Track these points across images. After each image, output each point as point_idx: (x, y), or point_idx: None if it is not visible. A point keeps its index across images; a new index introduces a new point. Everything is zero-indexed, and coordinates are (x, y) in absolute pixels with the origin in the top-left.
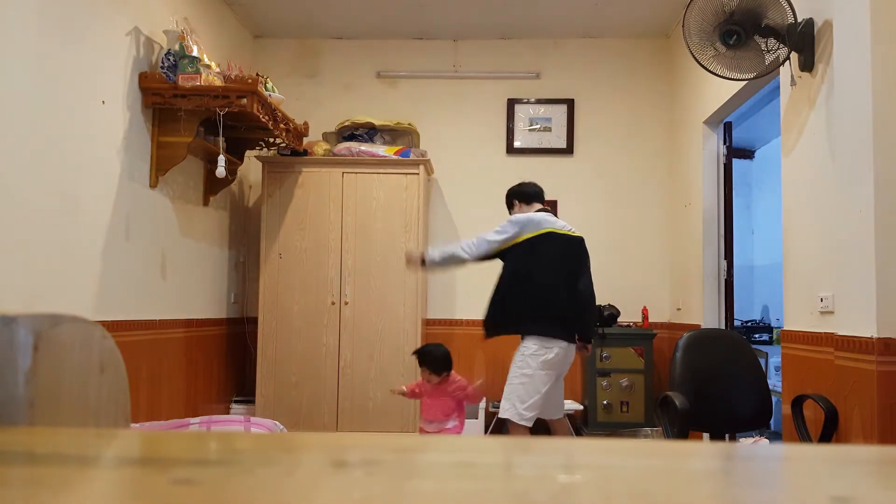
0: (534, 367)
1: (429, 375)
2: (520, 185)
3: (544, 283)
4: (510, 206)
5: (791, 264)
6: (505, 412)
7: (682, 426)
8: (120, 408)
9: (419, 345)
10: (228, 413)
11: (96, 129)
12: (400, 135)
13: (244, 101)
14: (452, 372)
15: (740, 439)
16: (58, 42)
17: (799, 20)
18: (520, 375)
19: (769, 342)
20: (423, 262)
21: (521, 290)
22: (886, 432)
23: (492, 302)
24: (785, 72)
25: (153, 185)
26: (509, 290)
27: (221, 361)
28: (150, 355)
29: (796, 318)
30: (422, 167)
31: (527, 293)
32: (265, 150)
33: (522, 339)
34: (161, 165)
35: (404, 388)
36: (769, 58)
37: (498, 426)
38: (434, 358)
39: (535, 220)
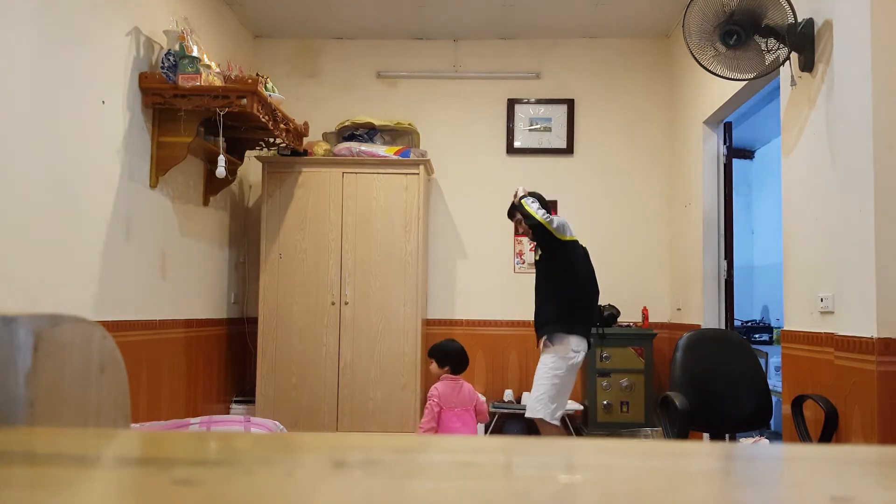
0: (564, 370)
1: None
2: (537, 193)
3: (588, 288)
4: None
5: (791, 264)
6: (537, 412)
7: (682, 426)
8: (120, 408)
9: (419, 345)
10: (228, 413)
11: (96, 129)
12: (400, 135)
13: (244, 101)
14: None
15: (740, 439)
16: (58, 42)
17: (799, 20)
18: (552, 377)
19: (769, 342)
20: (520, 200)
21: (578, 294)
22: (886, 432)
23: (553, 301)
24: (785, 72)
25: (153, 185)
26: (571, 294)
27: (221, 361)
28: (150, 355)
29: (796, 318)
30: (422, 167)
31: (580, 299)
32: (265, 150)
33: (552, 341)
34: (161, 165)
35: (422, 428)
36: (769, 58)
37: (498, 426)
38: (454, 355)
39: (570, 225)
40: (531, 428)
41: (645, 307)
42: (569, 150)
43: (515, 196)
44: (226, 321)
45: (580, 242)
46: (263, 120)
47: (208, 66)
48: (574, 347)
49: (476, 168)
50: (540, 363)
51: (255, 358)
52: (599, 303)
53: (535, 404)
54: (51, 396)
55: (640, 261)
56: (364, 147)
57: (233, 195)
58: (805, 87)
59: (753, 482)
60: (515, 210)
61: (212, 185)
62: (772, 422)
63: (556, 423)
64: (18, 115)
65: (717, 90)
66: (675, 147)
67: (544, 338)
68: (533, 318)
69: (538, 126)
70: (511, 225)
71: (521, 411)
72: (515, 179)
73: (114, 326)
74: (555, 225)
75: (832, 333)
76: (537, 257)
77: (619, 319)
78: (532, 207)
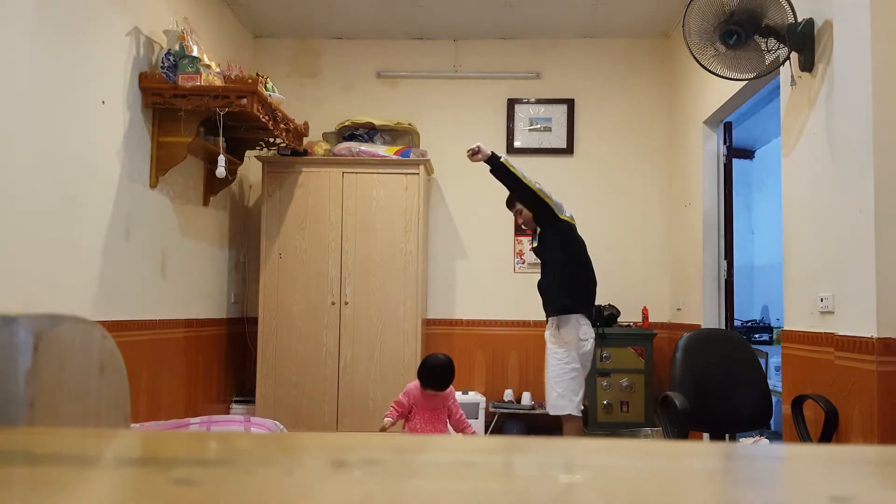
0: (578, 360)
1: (432, 391)
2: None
3: (590, 272)
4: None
5: (791, 264)
6: (564, 409)
7: (682, 426)
8: (120, 408)
9: (419, 345)
10: (228, 413)
11: (96, 129)
12: (400, 135)
13: (244, 101)
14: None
15: (740, 439)
16: (58, 42)
17: (799, 20)
18: (570, 370)
19: (769, 342)
20: (491, 157)
21: (580, 273)
22: (886, 432)
23: (556, 280)
24: (785, 72)
25: (153, 185)
26: (572, 272)
27: (221, 361)
28: (150, 355)
29: (796, 318)
30: (422, 167)
31: (582, 278)
32: (265, 150)
33: (559, 328)
34: (161, 165)
35: (388, 420)
36: (769, 58)
37: (498, 426)
38: (439, 375)
39: (565, 205)
40: (531, 428)
41: (645, 307)
42: (569, 150)
43: (478, 153)
44: (226, 321)
45: (577, 231)
46: (263, 120)
47: (208, 66)
48: (582, 336)
49: (476, 168)
50: (551, 358)
51: (255, 358)
52: (599, 303)
53: (560, 401)
54: (51, 396)
55: (640, 260)
56: (364, 147)
57: (233, 195)
58: (805, 87)
59: (753, 482)
60: (495, 171)
61: (212, 185)
62: (772, 422)
63: (580, 413)
64: (18, 115)
65: (717, 90)
66: (675, 147)
67: (554, 324)
68: (540, 296)
69: (538, 126)
70: (511, 225)
71: (522, 411)
72: None
73: (114, 326)
74: (547, 193)
75: (832, 333)
76: (534, 244)
77: (619, 319)
78: (519, 171)
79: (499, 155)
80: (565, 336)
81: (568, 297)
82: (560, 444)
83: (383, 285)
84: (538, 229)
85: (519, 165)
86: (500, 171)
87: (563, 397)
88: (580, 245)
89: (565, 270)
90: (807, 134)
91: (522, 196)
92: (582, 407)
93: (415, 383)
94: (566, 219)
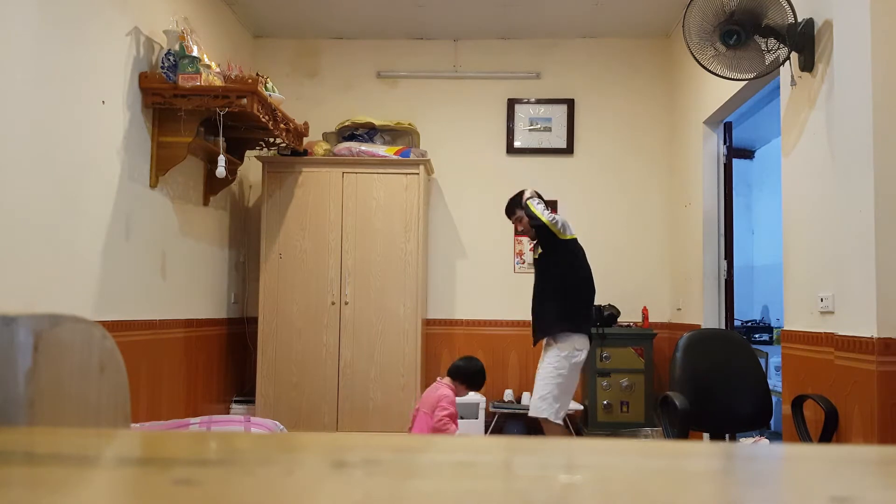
0: (568, 369)
1: (465, 391)
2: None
3: (588, 286)
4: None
5: (791, 264)
6: (542, 411)
7: (682, 426)
8: (120, 408)
9: (419, 345)
10: (228, 413)
11: (96, 129)
12: (400, 135)
13: (244, 101)
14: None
15: (740, 439)
16: (58, 42)
17: (799, 20)
18: (556, 376)
19: (769, 342)
20: (526, 201)
21: (580, 292)
22: (886, 432)
23: (556, 299)
24: (785, 72)
25: (153, 185)
26: (573, 292)
27: (221, 361)
28: (150, 355)
29: (796, 318)
30: (422, 167)
31: (581, 297)
32: (265, 150)
33: (556, 340)
34: (161, 165)
35: (455, 428)
36: (769, 58)
37: (498, 426)
38: (483, 377)
39: (570, 223)
40: (531, 428)
41: (645, 307)
42: (569, 150)
43: (522, 197)
44: (226, 321)
45: (578, 241)
46: (263, 120)
47: (208, 66)
48: (577, 346)
49: (476, 168)
50: (544, 362)
51: (255, 358)
52: (599, 303)
53: (540, 403)
54: (51, 396)
55: (640, 260)
56: (364, 147)
57: (233, 195)
58: (805, 87)
59: (753, 482)
60: (515, 208)
61: (212, 185)
62: (772, 422)
63: (560, 422)
64: (18, 115)
65: (717, 90)
66: (675, 147)
67: (550, 342)
68: (531, 318)
69: (538, 126)
70: (511, 225)
71: (522, 411)
72: (515, 179)
73: (114, 326)
74: (559, 226)
75: (832, 333)
76: (536, 255)
77: (619, 319)
78: (538, 209)
79: (529, 197)
80: (560, 343)
81: (567, 321)
82: (560, 444)
83: (383, 285)
84: (540, 249)
85: (538, 202)
86: (526, 211)
87: (543, 400)
88: (582, 260)
89: (566, 292)
90: (807, 134)
91: (536, 227)
92: (562, 415)
93: (450, 392)
94: (570, 237)
